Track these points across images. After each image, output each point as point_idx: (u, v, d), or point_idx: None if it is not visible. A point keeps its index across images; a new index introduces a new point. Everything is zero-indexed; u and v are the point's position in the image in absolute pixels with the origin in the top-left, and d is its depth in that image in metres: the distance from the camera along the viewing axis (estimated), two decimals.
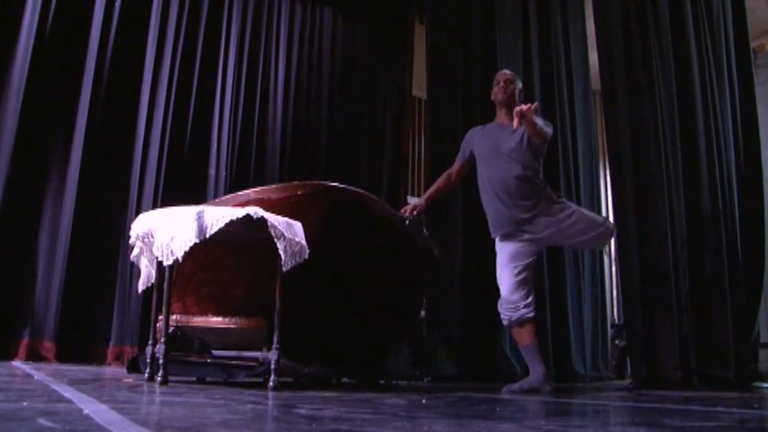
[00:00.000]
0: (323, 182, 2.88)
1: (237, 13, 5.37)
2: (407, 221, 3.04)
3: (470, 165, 3.23)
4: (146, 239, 2.31)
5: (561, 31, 5.00)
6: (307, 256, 2.27)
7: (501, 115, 3.17)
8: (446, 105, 4.82)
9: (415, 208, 3.12)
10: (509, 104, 3.13)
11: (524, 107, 2.70)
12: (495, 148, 3.05)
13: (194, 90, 4.99)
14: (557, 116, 4.64)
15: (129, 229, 2.42)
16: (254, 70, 5.43)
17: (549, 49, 4.87)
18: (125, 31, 4.67)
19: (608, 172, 4.68)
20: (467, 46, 4.90)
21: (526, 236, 2.98)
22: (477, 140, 3.18)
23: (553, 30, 4.93)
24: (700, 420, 1.56)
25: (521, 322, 2.93)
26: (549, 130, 2.99)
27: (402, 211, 3.12)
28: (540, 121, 2.88)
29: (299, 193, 2.62)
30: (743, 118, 4.03)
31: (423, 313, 4.34)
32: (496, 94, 3.17)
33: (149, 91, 4.67)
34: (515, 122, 2.73)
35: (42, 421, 1.06)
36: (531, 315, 2.92)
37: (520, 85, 3.24)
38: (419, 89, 6.20)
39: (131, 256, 2.57)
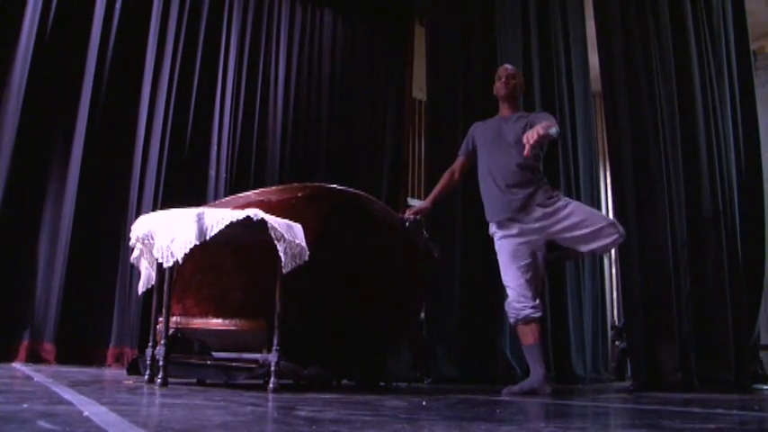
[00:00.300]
0: (323, 184, 2.88)
1: (237, 14, 5.38)
2: (407, 223, 3.05)
3: (473, 159, 3.24)
4: (146, 241, 2.31)
5: (561, 32, 5.00)
6: (307, 258, 2.27)
7: (504, 109, 3.21)
8: (446, 107, 4.83)
9: (420, 211, 3.14)
10: (511, 98, 3.18)
11: (531, 139, 2.71)
12: (497, 136, 3.09)
13: (194, 92, 4.99)
14: (557, 116, 4.63)
15: (129, 230, 2.42)
16: (255, 72, 5.43)
17: (549, 49, 4.88)
18: (125, 32, 4.67)
19: (608, 172, 4.69)
20: (467, 47, 4.90)
21: (516, 227, 2.97)
22: (479, 132, 3.23)
23: (553, 31, 4.93)
24: (700, 422, 1.56)
25: (526, 321, 2.94)
26: (555, 129, 2.97)
27: (408, 212, 3.13)
28: (553, 130, 2.86)
29: (299, 194, 2.62)
30: (743, 119, 4.03)
31: (422, 315, 4.34)
32: (498, 89, 3.21)
33: (149, 93, 4.68)
34: (527, 151, 2.74)
35: (42, 423, 1.05)
36: (537, 315, 2.93)
37: (521, 79, 3.27)
38: (419, 91, 6.21)
39: (131, 258, 2.57)
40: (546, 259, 3.03)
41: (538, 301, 2.94)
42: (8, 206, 3.98)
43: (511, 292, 2.99)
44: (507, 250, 3.01)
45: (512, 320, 3.02)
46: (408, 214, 3.09)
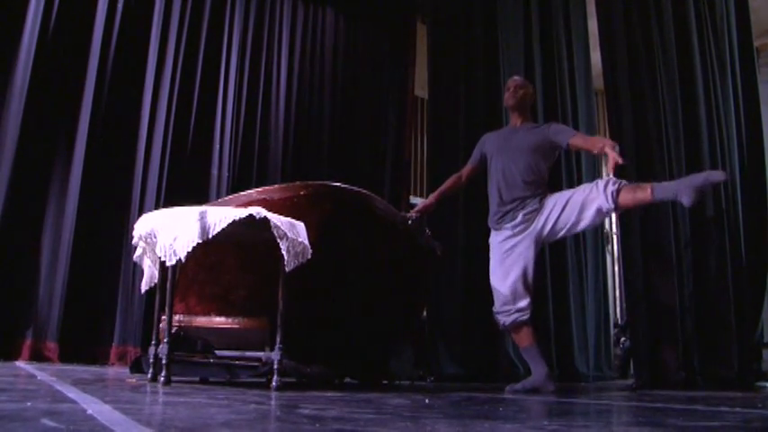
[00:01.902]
0: (325, 182, 2.88)
1: (240, 13, 5.38)
2: (410, 221, 3.07)
3: (481, 168, 3.28)
4: (149, 240, 2.31)
5: (563, 30, 4.99)
6: (309, 257, 2.27)
7: (514, 118, 3.25)
8: (448, 105, 4.82)
9: (425, 208, 3.18)
10: (520, 109, 3.21)
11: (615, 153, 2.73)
12: (506, 145, 3.12)
13: (197, 91, 5.00)
14: (559, 115, 4.63)
15: (132, 229, 2.43)
16: (257, 71, 5.43)
17: (552, 47, 4.87)
18: (127, 32, 4.68)
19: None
20: (468, 46, 4.89)
21: (506, 231, 2.99)
22: (490, 140, 3.26)
23: (555, 28, 4.92)
24: (703, 420, 1.56)
25: (515, 326, 2.95)
26: (617, 148, 2.88)
27: (412, 210, 3.16)
28: (614, 148, 2.82)
29: (302, 193, 2.62)
30: (746, 116, 4.02)
31: (425, 313, 4.34)
32: (507, 99, 3.25)
33: (152, 92, 4.68)
34: (613, 164, 2.74)
35: (46, 421, 1.06)
36: (524, 318, 2.93)
37: (531, 89, 3.30)
38: (421, 89, 6.19)
39: (134, 257, 2.57)
40: (537, 262, 3.03)
41: (524, 303, 2.92)
42: (11, 205, 3.99)
43: (496, 298, 3.00)
44: (496, 255, 3.05)
45: (501, 327, 3.04)
46: (412, 212, 3.12)
